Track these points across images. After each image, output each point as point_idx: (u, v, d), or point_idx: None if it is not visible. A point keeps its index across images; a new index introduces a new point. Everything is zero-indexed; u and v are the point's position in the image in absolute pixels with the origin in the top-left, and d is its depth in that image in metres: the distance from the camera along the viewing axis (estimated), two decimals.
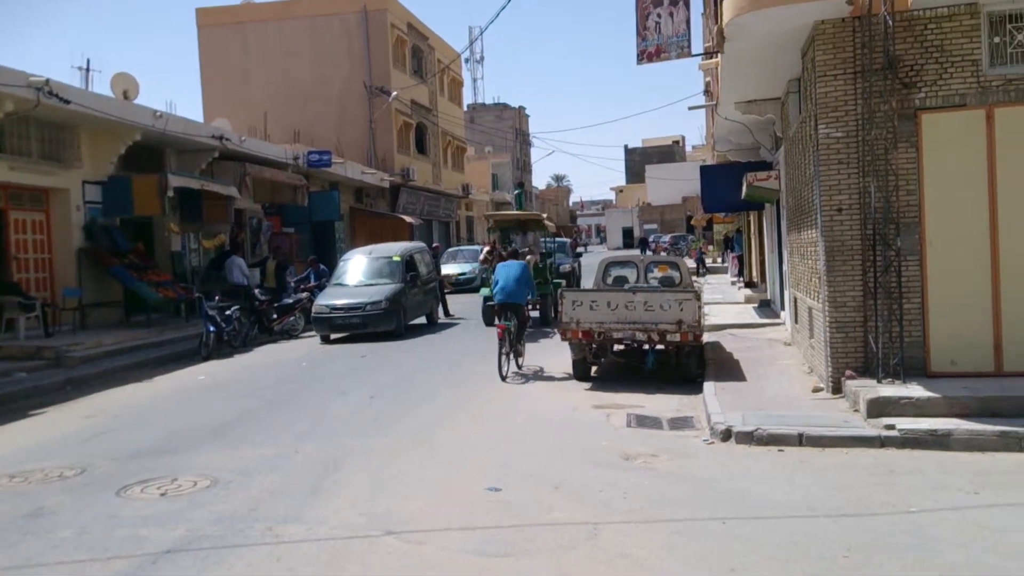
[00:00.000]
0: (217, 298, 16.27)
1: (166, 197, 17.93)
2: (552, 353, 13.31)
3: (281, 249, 24.49)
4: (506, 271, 12.30)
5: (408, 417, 9.45)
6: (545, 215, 22.04)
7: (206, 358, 14.76)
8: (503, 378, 11.47)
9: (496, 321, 12.12)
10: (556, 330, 13.36)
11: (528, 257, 17.02)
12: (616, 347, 11.41)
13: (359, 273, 18.34)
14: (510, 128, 72.71)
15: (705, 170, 20.83)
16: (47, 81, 14.86)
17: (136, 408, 10.63)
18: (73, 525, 5.97)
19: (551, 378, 11.74)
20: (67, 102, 15.41)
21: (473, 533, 5.66)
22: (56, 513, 6.29)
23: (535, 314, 17.86)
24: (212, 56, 37.10)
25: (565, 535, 5.58)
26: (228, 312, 15.95)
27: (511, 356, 11.94)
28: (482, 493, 6.51)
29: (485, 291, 16.93)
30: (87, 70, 20.59)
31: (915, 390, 8.20)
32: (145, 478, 7.17)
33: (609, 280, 12.89)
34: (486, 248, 17.05)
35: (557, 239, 32.15)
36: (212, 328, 15.25)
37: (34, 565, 5.26)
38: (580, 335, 10.86)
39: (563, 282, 19.95)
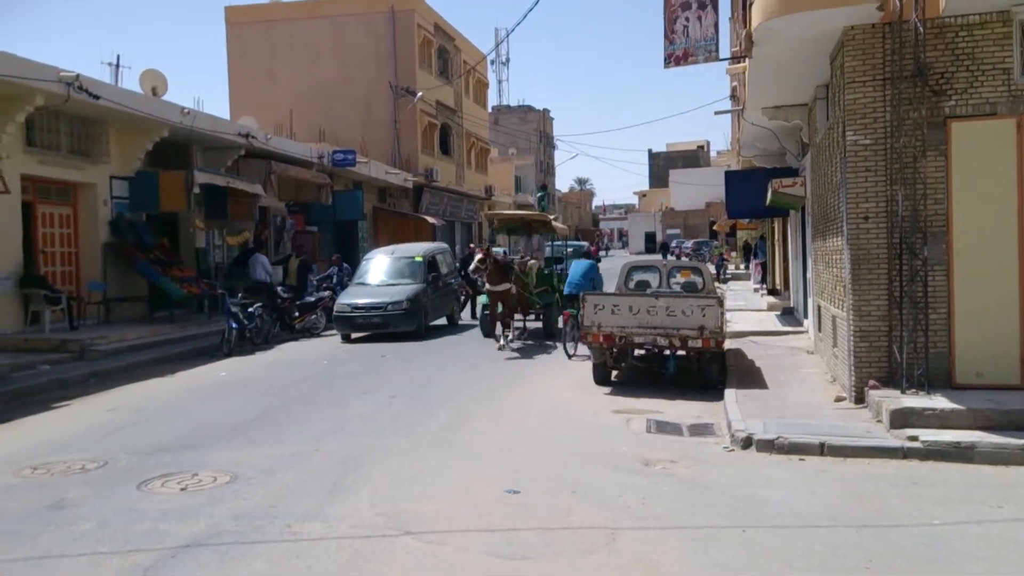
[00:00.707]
0: (240, 295, 16.40)
1: (192, 193, 18.12)
2: (554, 373, 12.56)
3: (304, 247, 24.63)
4: (576, 267, 14.47)
5: (428, 418, 9.47)
6: (553, 216, 20.53)
7: (228, 355, 14.88)
8: (569, 356, 13.56)
9: (564, 310, 14.53)
10: (559, 344, 14.24)
11: (531, 263, 16.43)
12: (637, 352, 11.35)
13: (381, 273, 18.41)
14: (534, 130, 72.76)
15: (730, 175, 20.68)
16: (77, 76, 15.06)
17: (158, 403, 10.72)
18: (94, 517, 6.03)
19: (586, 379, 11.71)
20: (96, 97, 15.60)
21: (491, 535, 5.65)
22: (78, 505, 6.35)
23: (536, 324, 17.35)
24: (240, 54, 37.42)
25: (583, 539, 5.56)
26: (251, 309, 16.07)
27: (575, 341, 13.41)
28: (500, 495, 6.50)
29: (483, 299, 16.30)
30: (117, 66, 20.87)
31: (939, 401, 8.09)
32: (166, 472, 7.23)
33: (631, 285, 12.84)
34: (478, 256, 14.91)
35: (571, 242, 30.95)
36: (235, 325, 15.36)
37: (55, 556, 5.32)
38: (601, 339, 10.83)
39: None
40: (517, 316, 16.58)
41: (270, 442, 8.36)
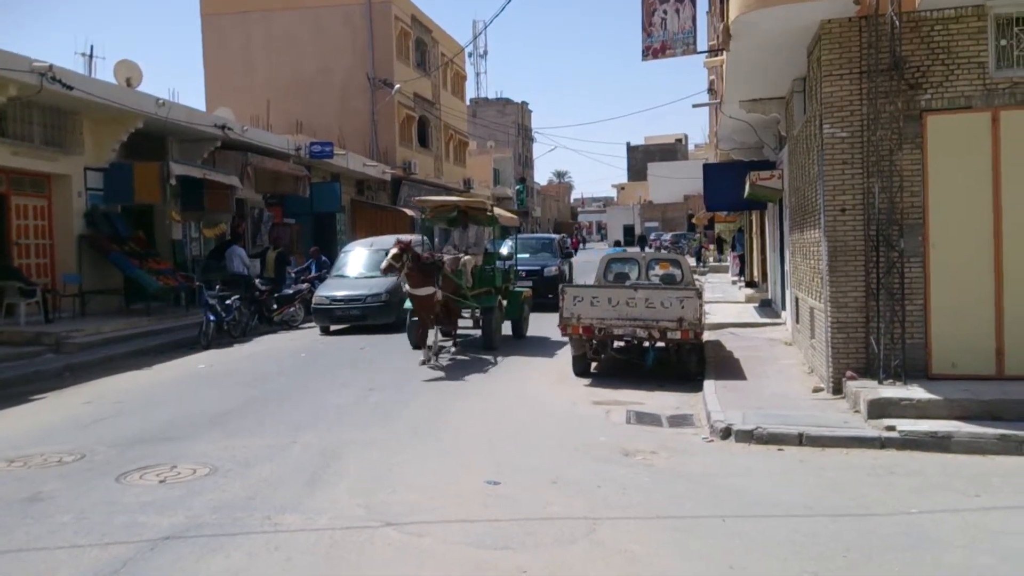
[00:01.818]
0: (218, 287, 16.26)
1: (168, 185, 17.90)
2: (531, 365, 13.06)
3: (282, 240, 24.46)
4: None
5: (406, 409, 9.45)
6: (492, 202, 16.83)
7: (206, 347, 14.75)
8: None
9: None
10: (500, 358, 12.90)
11: (465, 259, 13.64)
12: (616, 344, 11.40)
13: (360, 265, 18.34)
14: (512, 123, 72.68)
15: (708, 168, 20.79)
16: (51, 67, 14.83)
17: (136, 395, 10.62)
18: (72, 510, 5.97)
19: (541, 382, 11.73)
20: (70, 88, 15.37)
21: (472, 526, 5.66)
22: (55, 498, 6.28)
23: (475, 332, 15.00)
24: (216, 45, 37.00)
25: (564, 529, 5.58)
26: (228, 301, 15.94)
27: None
28: (481, 486, 6.51)
29: (409, 304, 13.13)
30: (90, 57, 20.53)
31: (916, 392, 8.19)
32: (144, 465, 7.16)
33: (610, 277, 12.88)
34: (391, 251, 11.83)
35: (533, 236, 28.31)
36: (212, 317, 15.24)
37: (32, 549, 5.26)
38: (580, 331, 10.85)
39: (527, 292, 15.75)
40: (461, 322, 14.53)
41: (249, 434, 8.31)
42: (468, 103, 55.99)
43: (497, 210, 15.32)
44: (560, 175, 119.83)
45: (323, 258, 21.61)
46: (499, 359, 12.97)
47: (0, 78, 13.89)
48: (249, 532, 5.53)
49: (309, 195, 25.84)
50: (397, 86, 35.40)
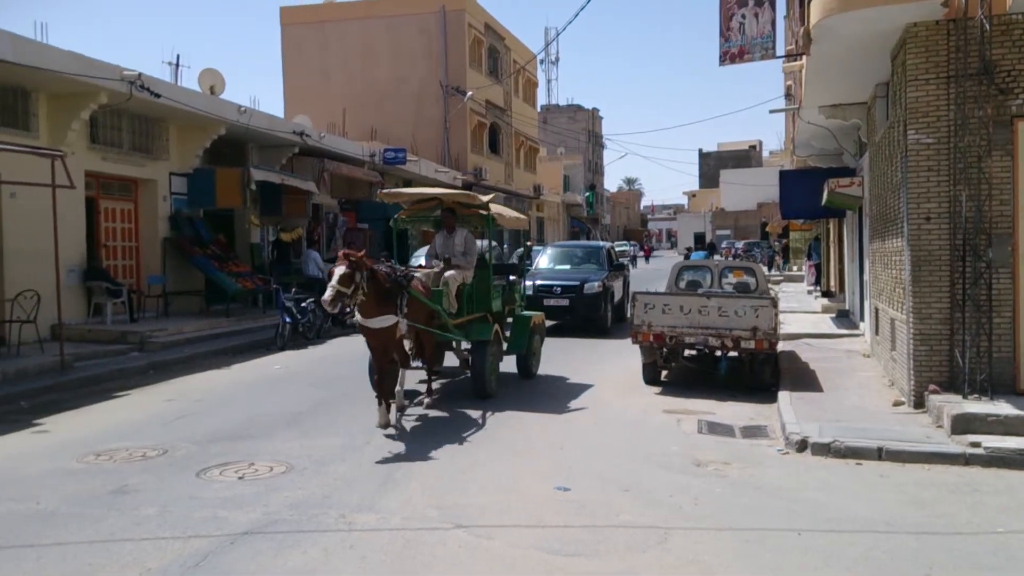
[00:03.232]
0: (293, 290, 16.67)
1: (248, 190, 18.47)
2: (602, 371, 12.88)
3: (355, 244, 24.91)
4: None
5: (476, 413, 9.49)
6: (486, 197, 10.99)
7: (281, 348, 15.12)
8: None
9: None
10: (490, 413, 9.37)
11: (447, 275, 10.01)
12: (687, 352, 11.26)
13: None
14: (583, 130, 72.58)
15: (784, 175, 20.36)
16: (139, 75, 15.44)
17: (215, 394, 10.95)
18: (156, 503, 6.19)
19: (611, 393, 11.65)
20: (157, 96, 15.97)
21: (543, 531, 5.66)
22: (140, 491, 6.52)
23: (454, 369, 11.58)
24: (294, 54, 38.01)
25: (635, 538, 5.54)
26: (304, 304, 16.31)
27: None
28: (551, 492, 6.50)
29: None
30: (176, 65, 21.30)
31: (1003, 407, 7.87)
32: (224, 461, 7.38)
33: (682, 284, 12.73)
34: (339, 270, 7.99)
35: (576, 243, 23.24)
36: (288, 319, 15.62)
37: (119, 540, 5.46)
38: (651, 338, 10.76)
39: (537, 317, 11.89)
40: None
41: (323, 434, 8.48)
42: (539, 110, 56.16)
43: (496, 208, 11.16)
44: (630, 182, 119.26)
45: (394, 263, 21.93)
46: (488, 417, 9.24)
47: (92, 86, 14.51)
48: (325, 530, 5.65)
49: (382, 201, 26.23)
50: (469, 93, 35.74)
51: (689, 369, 11.52)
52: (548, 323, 16.16)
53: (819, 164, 19.60)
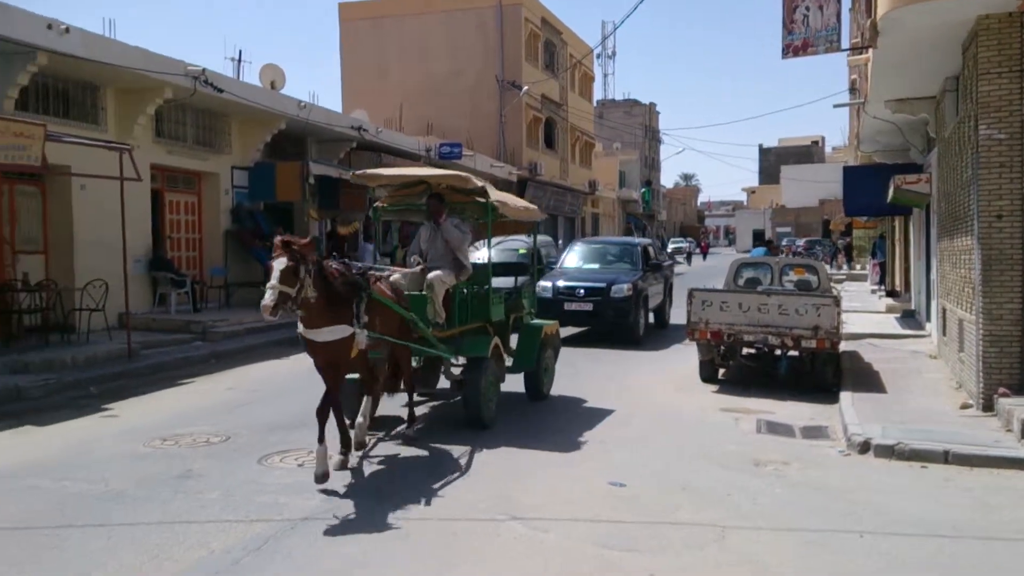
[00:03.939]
0: None
1: (307, 184, 18.77)
2: (658, 370, 12.89)
3: (410, 238, 25.11)
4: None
5: (529, 408, 9.49)
6: (482, 182, 8.76)
7: None
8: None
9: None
10: (484, 454, 7.37)
11: (432, 276, 8.13)
12: (746, 351, 11.09)
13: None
14: (639, 124, 71.97)
15: (848, 171, 19.90)
16: (203, 71, 15.79)
17: (274, 383, 11.15)
18: (219, 488, 6.33)
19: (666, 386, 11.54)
20: (220, 91, 16.31)
21: (597, 526, 5.63)
22: (204, 476, 6.68)
23: (446, 391, 9.49)
24: (352, 49, 38.44)
25: (692, 535, 5.48)
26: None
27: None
28: (606, 488, 6.47)
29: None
30: (239, 61, 21.70)
31: None
32: (284, 449, 7.52)
33: (741, 281, 12.53)
34: (277, 263, 6.10)
35: (607, 240, 21.15)
36: None
37: (184, 521, 5.61)
38: (708, 336, 10.63)
39: (550, 327, 9.96)
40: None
41: (379, 423, 8.56)
42: (595, 104, 55.84)
43: (498, 195, 9.08)
44: (687, 178, 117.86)
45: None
46: (476, 456, 7.34)
47: (157, 81, 14.89)
48: (380, 518, 5.70)
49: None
50: (525, 88, 35.73)
51: (747, 368, 11.34)
52: (571, 331, 15.31)
53: (884, 160, 19.10)
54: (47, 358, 11.30)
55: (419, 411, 8.88)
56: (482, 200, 8.74)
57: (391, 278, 7.99)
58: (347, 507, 5.95)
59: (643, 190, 65.17)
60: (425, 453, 7.50)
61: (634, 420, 8.99)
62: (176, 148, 16.92)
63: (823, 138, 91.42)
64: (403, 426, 8.15)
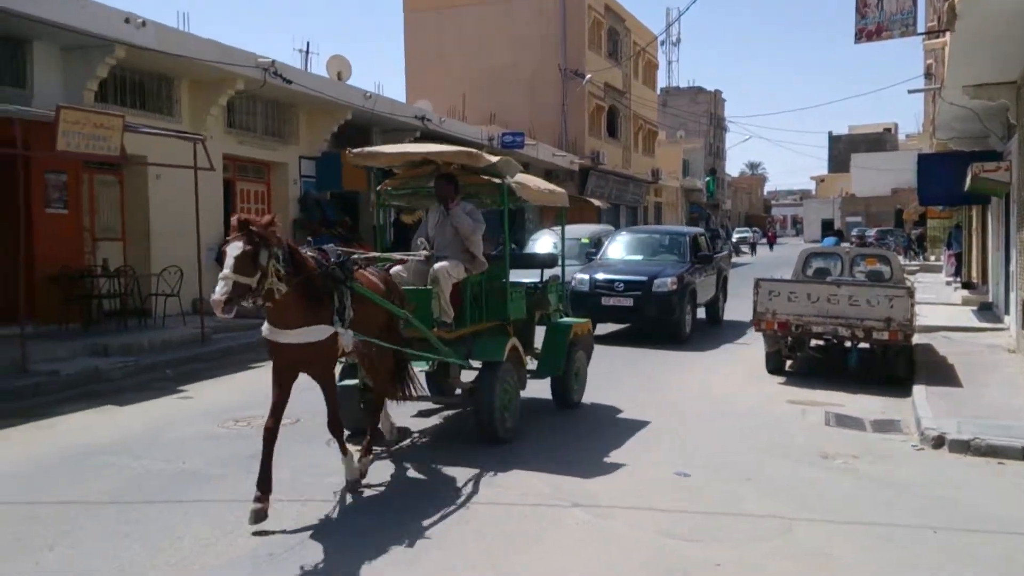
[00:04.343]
0: None
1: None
2: (720, 361, 12.54)
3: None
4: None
5: (592, 398, 9.45)
6: (496, 159, 7.41)
7: None
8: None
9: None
10: (485, 476, 6.39)
11: (438, 267, 7.03)
12: (814, 342, 10.87)
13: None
14: (704, 112, 70.85)
15: (923, 159, 19.27)
16: (273, 62, 16.12)
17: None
18: (288, 468, 6.48)
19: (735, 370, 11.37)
20: (289, 82, 16.65)
21: (660, 515, 5.61)
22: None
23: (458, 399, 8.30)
24: (416, 40, 38.72)
25: (757, 527, 5.41)
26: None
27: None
28: (670, 477, 6.43)
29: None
30: (306, 52, 22.10)
31: None
32: (350, 433, 7.65)
33: (809, 271, 12.26)
34: (233, 248, 5.01)
35: (652, 228, 20.26)
36: None
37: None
38: (775, 326, 10.44)
39: (580, 326, 8.86)
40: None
41: (444, 409, 8.65)
42: (659, 92, 55.19)
43: (517, 177, 7.87)
44: (753, 167, 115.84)
45: (513, 245, 22.12)
46: (483, 481, 6.27)
47: (229, 73, 15.25)
48: (444, 501, 5.78)
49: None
50: (588, 76, 35.52)
51: (815, 359, 11.12)
52: (609, 328, 14.58)
53: (961, 147, 18.44)
54: (125, 342, 11.72)
55: (429, 422, 8.15)
56: (497, 182, 7.72)
57: (392, 269, 7.19)
58: (412, 489, 6.06)
59: (707, 179, 64.18)
60: (421, 477, 6.43)
61: (700, 408, 8.90)
62: (247, 138, 17.33)
63: (896, 125, 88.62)
64: (391, 434, 7.13)
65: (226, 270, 4.92)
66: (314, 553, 4.90)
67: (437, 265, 7.08)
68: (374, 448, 6.70)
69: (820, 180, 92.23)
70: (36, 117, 10.61)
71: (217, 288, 4.89)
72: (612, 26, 39.99)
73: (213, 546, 4.99)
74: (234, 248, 4.98)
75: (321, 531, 5.25)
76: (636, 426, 8.07)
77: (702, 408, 9.01)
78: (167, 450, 7.10)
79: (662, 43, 68.31)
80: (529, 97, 36.04)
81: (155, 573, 4.63)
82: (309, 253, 5.73)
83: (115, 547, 4.99)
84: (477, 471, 6.43)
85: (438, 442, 7.56)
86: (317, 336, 5.51)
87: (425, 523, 5.39)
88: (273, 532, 5.21)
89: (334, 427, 5.96)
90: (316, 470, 6.50)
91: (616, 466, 6.71)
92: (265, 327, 5.54)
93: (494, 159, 7.37)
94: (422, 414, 8.40)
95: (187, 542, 5.02)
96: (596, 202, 35.25)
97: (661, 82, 60.12)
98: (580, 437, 7.69)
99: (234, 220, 5.10)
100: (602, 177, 37.76)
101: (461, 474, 6.40)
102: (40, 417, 8.36)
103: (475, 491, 6.01)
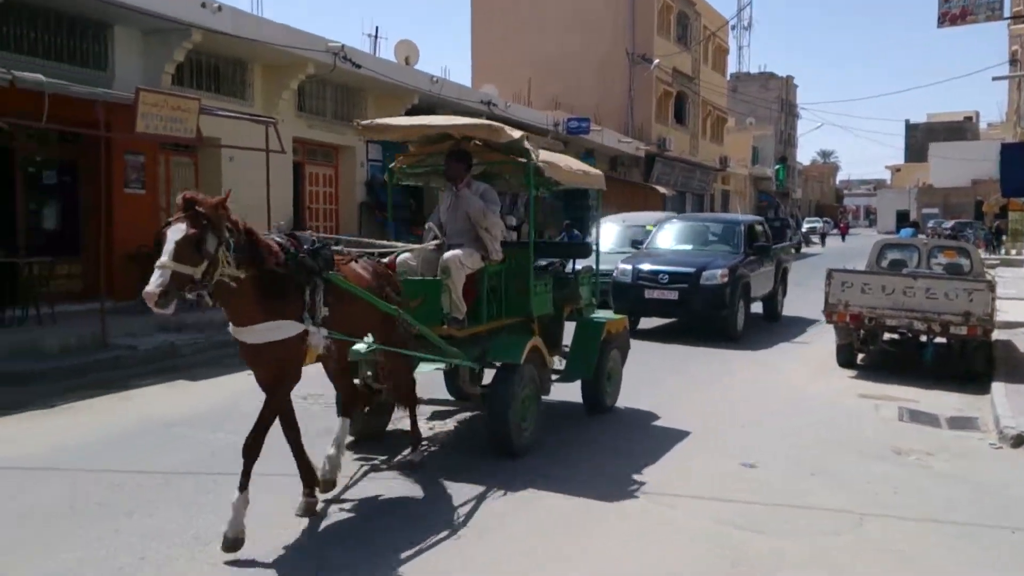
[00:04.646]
0: None
1: None
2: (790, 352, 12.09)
3: (537, 214, 25.22)
4: None
5: (655, 387, 9.34)
6: (521, 134, 6.57)
7: None
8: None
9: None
10: (496, 497, 5.59)
11: (450, 256, 6.26)
12: (888, 335, 10.57)
13: (611, 242, 18.43)
14: (775, 99, 69.19)
15: (1007, 149, 18.47)
16: (343, 47, 16.33)
17: None
18: (353, 444, 6.58)
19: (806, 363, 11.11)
20: (358, 67, 16.84)
21: (724, 505, 5.52)
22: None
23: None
24: (483, 24, 38.75)
25: (825, 521, 5.29)
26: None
27: None
28: (735, 469, 6.33)
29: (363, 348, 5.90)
30: (375, 37, 22.35)
31: None
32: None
33: (884, 263, 11.90)
34: (175, 232, 4.26)
35: (703, 216, 19.31)
36: None
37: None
38: (847, 319, 10.17)
39: (615, 323, 8.06)
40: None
41: (461, 413, 8.49)
42: (728, 78, 54.16)
43: (546, 154, 7.14)
44: (825, 155, 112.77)
45: (575, 232, 22.03)
46: (484, 504, 5.43)
47: (300, 57, 15.49)
48: (510, 486, 5.75)
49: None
50: (656, 61, 35.05)
51: (888, 353, 10.81)
52: (653, 324, 13.85)
53: None
54: (199, 319, 12.04)
55: (445, 426, 7.43)
56: (522, 160, 6.80)
57: (399, 258, 6.50)
58: (479, 474, 6.03)
59: (777, 167, 62.79)
60: (417, 494, 5.65)
61: (767, 400, 8.73)
62: (316, 122, 17.60)
63: (977, 113, 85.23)
64: (408, 452, 6.32)
65: (164, 257, 4.15)
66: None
67: (448, 254, 6.26)
68: (420, 448, 6.29)
69: (896, 170, 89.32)
70: (118, 100, 10.94)
71: (152, 278, 4.11)
72: (682, 10, 39.35)
73: (283, 516, 5.10)
74: (176, 231, 4.21)
75: (392, 505, 5.30)
76: (681, 426, 7.53)
77: (770, 399, 8.84)
78: (237, 424, 7.21)
79: (733, 27, 66.81)
80: (595, 82, 35.74)
81: None
82: (276, 239, 4.96)
83: (190, 516, 5.14)
84: (483, 489, 5.65)
85: (446, 452, 6.73)
86: (276, 334, 4.75)
87: (496, 503, 5.39)
88: (338, 503, 5.29)
89: (250, 449, 4.85)
90: (383, 445, 6.57)
91: (678, 455, 6.64)
92: (231, 329, 4.88)
93: (517, 134, 6.52)
94: (436, 416, 7.60)
95: (258, 511, 5.05)
96: (661, 189, 34.84)
97: (731, 67, 59.01)
98: (617, 437, 7.12)
99: (179, 199, 4.35)
100: (668, 164, 37.29)
101: (465, 491, 5.60)
102: (120, 389, 8.68)
103: (544, 470, 6.01)
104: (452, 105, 20.93)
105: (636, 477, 6.02)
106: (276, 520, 5.09)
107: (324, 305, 4.99)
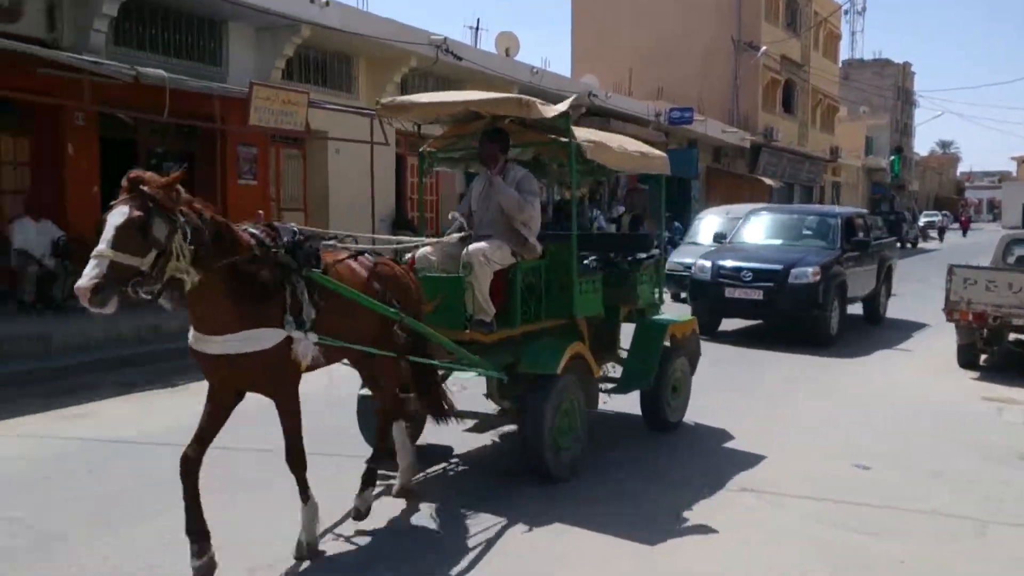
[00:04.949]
0: None
1: None
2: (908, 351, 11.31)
3: (636, 204, 24.91)
4: None
5: (760, 385, 9.04)
6: (560, 109, 5.62)
7: None
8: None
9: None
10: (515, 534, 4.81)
11: (473, 249, 5.37)
12: (1014, 335, 9.93)
13: (712, 235, 17.98)
14: (891, 86, 66.13)
15: None
16: (445, 39, 16.50)
17: None
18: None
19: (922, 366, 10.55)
20: (460, 59, 16.99)
21: (834, 506, 5.28)
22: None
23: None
24: (584, 14, 38.47)
25: (944, 526, 4.99)
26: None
27: None
28: (847, 469, 6.05)
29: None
30: (476, 29, 22.51)
31: None
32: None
33: (1011, 259, 11.15)
34: (121, 208, 3.51)
35: (794, 208, 17.88)
36: None
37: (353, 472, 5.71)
38: (970, 317, 9.58)
39: (683, 325, 7.04)
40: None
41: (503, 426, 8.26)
42: (840, 65, 52.09)
43: (584, 133, 6.21)
44: (944, 145, 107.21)
45: (676, 224, 21.64)
46: (498, 541, 4.69)
47: (403, 51, 15.75)
48: (600, 483, 5.66)
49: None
50: (763, 48, 34.03)
51: (1014, 354, 10.16)
52: (735, 325, 12.72)
53: None
54: None
55: (478, 441, 6.49)
56: (562, 140, 5.89)
57: (418, 252, 5.80)
58: (514, 496, 5.51)
59: (892, 158, 59.84)
60: (422, 524, 5.10)
61: (883, 400, 8.33)
62: None
63: None
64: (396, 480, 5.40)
65: (101, 245, 3.45)
66: None
67: (472, 247, 5.38)
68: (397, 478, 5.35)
69: (1022, 161, 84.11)
70: (232, 94, 11.38)
71: (86, 270, 3.41)
72: None
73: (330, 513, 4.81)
74: (116, 215, 3.50)
75: (443, 490, 5.29)
76: (767, 436, 6.75)
77: (886, 399, 8.42)
78: (344, 408, 7.33)
79: (846, 12, 64.18)
80: (699, 71, 34.95)
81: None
82: (251, 230, 4.13)
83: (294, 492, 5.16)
84: (501, 523, 4.85)
85: (473, 473, 6.01)
86: (253, 344, 3.95)
87: (577, 506, 5.31)
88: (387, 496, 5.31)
89: (293, 461, 4.39)
90: (460, 444, 6.56)
91: (787, 454, 6.39)
92: (191, 334, 4.03)
93: (555, 110, 5.60)
94: (472, 428, 6.44)
95: (347, 493, 5.10)
96: (767, 181, 33.84)
97: (843, 54, 56.81)
98: (693, 453, 6.39)
99: (124, 180, 3.60)
100: (775, 154, 36.18)
101: (481, 521, 4.91)
102: None
103: (637, 466, 5.89)
104: (552, 96, 20.76)
105: (742, 473, 5.83)
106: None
107: (313, 309, 4.18)
